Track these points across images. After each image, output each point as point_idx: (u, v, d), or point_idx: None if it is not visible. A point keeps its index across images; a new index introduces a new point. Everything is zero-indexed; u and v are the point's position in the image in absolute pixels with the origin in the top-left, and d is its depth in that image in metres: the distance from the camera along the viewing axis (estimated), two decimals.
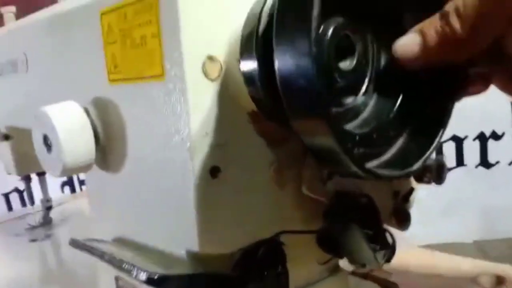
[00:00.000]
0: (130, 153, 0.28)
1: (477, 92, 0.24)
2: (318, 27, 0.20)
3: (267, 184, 0.26)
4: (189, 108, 0.23)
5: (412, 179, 0.34)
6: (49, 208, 0.65)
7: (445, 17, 0.21)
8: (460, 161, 1.16)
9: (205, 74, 0.23)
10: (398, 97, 0.24)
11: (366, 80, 0.24)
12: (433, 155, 0.34)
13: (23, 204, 0.96)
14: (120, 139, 0.28)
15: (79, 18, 0.30)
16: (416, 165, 0.23)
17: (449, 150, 1.13)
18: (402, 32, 0.22)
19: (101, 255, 0.28)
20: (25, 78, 0.40)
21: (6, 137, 0.52)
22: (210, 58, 0.23)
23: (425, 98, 0.24)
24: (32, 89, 0.40)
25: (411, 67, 0.22)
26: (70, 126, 0.28)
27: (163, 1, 0.23)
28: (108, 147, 0.30)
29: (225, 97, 0.24)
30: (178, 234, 0.25)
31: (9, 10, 0.56)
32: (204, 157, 0.23)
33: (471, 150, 1.14)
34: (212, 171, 0.24)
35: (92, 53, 0.29)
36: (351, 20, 0.22)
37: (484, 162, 1.16)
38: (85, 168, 0.30)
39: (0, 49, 0.44)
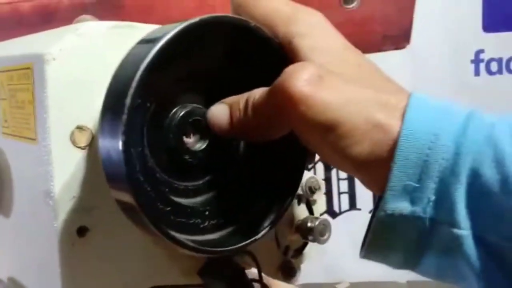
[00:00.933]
0: (15, 201, 0.29)
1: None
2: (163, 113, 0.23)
3: (141, 240, 0.28)
4: (54, 173, 0.24)
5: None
6: None
7: (247, 101, 0.23)
8: None
9: (73, 142, 0.25)
10: (252, 169, 0.26)
11: (221, 158, 0.26)
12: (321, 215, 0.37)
13: None
14: (8, 187, 0.30)
15: None
16: (262, 232, 0.24)
17: None
18: None
19: None
20: None
21: None
22: (79, 128, 0.25)
23: (273, 168, 0.26)
24: None
25: (223, 135, 0.24)
26: None
27: (36, 71, 0.24)
28: (1, 193, 0.31)
29: (94, 163, 0.25)
30: None
31: None
32: (71, 218, 0.25)
33: None
34: (80, 231, 0.25)
35: None
36: (204, 104, 0.24)
37: None
38: None
39: None
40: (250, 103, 0.23)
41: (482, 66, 0.73)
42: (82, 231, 0.25)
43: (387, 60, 0.72)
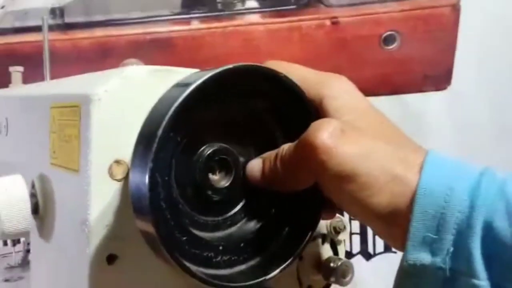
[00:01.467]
0: (56, 227, 0.32)
1: (327, 218, 0.28)
2: (192, 151, 0.24)
3: (166, 271, 0.29)
4: (91, 202, 0.26)
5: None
6: (29, 251, 0.70)
7: (277, 154, 0.25)
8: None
9: (111, 175, 0.27)
10: (269, 211, 0.27)
11: (243, 197, 0.27)
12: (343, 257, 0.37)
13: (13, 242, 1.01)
14: (51, 213, 0.32)
15: (40, 105, 0.36)
16: (273, 273, 0.25)
17: None
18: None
19: None
20: (5, 140, 0.45)
21: None
22: (117, 162, 0.27)
23: (291, 210, 0.27)
24: (8, 151, 0.45)
25: (258, 186, 0.26)
26: (9, 198, 0.32)
27: (83, 109, 0.27)
28: (44, 218, 0.34)
29: (127, 195, 0.27)
30: None
31: (17, 70, 0.63)
32: (102, 245, 0.27)
33: None
34: (109, 258, 0.27)
35: (43, 136, 0.34)
36: (232, 145, 0.26)
37: None
38: (22, 234, 0.34)
39: None
40: (279, 156, 0.25)
41: None
42: (111, 259, 0.27)
43: (427, 101, 0.71)
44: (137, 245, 0.28)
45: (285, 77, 0.25)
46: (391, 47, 0.73)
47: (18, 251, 0.70)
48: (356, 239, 0.73)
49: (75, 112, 0.28)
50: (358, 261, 0.72)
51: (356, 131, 0.24)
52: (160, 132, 0.22)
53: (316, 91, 0.26)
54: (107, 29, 0.81)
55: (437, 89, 0.73)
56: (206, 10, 0.78)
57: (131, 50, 0.80)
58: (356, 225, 0.70)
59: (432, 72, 0.73)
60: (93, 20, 0.81)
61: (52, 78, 0.72)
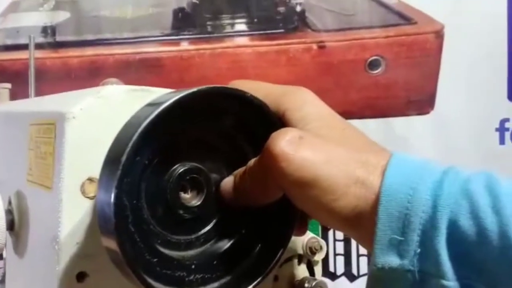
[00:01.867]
0: (29, 244, 0.32)
1: (298, 234, 0.28)
2: (163, 170, 0.25)
3: None
4: (62, 219, 0.27)
5: None
6: None
7: (245, 169, 0.26)
8: None
9: (83, 192, 0.27)
10: (241, 229, 0.27)
11: (215, 215, 0.27)
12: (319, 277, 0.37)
13: None
14: (25, 230, 0.32)
15: (19, 122, 0.36)
16: None
17: None
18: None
19: None
20: None
21: None
22: (90, 179, 0.27)
23: (264, 230, 0.27)
24: None
25: (230, 203, 0.26)
26: None
27: (58, 127, 0.28)
28: (19, 234, 0.34)
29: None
30: None
31: (5, 86, 0.63)
32: (72, 263, 0.27)
33: None
34: (79, 276, 0.27)
35: (22, 153, 0.34)
36: (203, 163, 0.26)
37: None
38: None
39: None
40: (247, 170, 0.26)
41: (507, 134, 0.72)
42: (81, 276, 0.27)
43: (411, 125, 0.72)
44: (108, 263, 0.28)
45: (250, 95, 0.26)
46: (376, 71, 0.75)
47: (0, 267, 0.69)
48: (340, 260, 0.73)
49: (50, 129, 0.28)
50: (342, 283, 0.72)
51: (317, 138, 0.25)
52: (124, 158, 0.22)
53: (279, 104, 0.27)
54: (97, 48, 0.82)
55: (421, 113, 0.74)
56: (196, 32, 0.79)
57: (120, 69, 0.81)
58: (340, 246, 0.70)
59: (416, 97, 0.75)
60: (84, 39, 0.82)
61: (41, 95, 0.72)
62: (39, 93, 0.73)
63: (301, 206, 0.25)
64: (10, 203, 0.34)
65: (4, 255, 0.68)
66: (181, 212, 0.26)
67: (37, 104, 0.36)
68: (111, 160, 0.23)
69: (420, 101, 0.74)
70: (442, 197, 0.22)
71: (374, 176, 0.23)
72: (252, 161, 0.26)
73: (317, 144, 0.24)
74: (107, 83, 0.34)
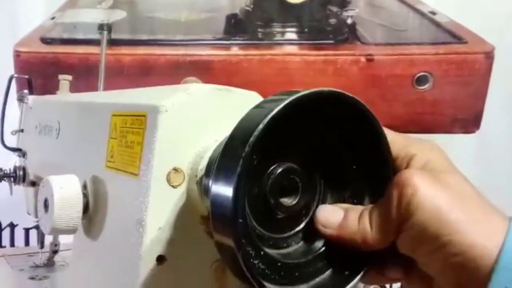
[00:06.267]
0: (105, 227, 0.34)
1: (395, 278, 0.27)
2: (261, 169, 0.25)
3: (208, 279, 0.31)
4: (149, 204, 0.28)
5: None
6: (55, 252, 0.71)
7: (363, 212, 0.26)
8: None
9: (168, 181, 0.29)
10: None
11: (306, 217, 0.27)
12: None
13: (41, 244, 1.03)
14: (102, 214, 0.34)
15: (98, 112, 0.38)
16: None
17: None
18: (344, 174, 0.27)
19: None
20: (56, 142, 0.48)
21: (33, 184, 0.60)
22: (175, 170, 0.29)
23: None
24: (59, 152, 0.47)
25: (324, 236, 0.26)
26: (64, 196, 0.34)
27: (149, 118, 0.29)
28: (93, 218, 0.36)
29: (183, 201, 0.29)
30: None
31: (66, 78, 0.67)
32: (154, 246, 0.29)
33: None
34: (159, 259, 0.29)
35: (100, 141, 0.36)
36: (300, 164, 0.26)
37: None
38: (70, 231, 0.36)
39: (44, 113, 0.53)
40: (371, 217, 0.25)
41: None
42: (161, 259, 0.29)
43: (454, 142, 0.72)
44: (185, 248, 0.29)
45: (367, 109, 0.25)
46: (423, 87, 0.75)
47: (45, 251, 0.72)
48: None
49: (140, 120, 0.30)
50: None
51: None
52: (247, 149, 0.22)
53: (405, 151, 0.27)
54: (150, 48, 0.85)
55: (466, 132, 0.74)
56: (246, 37, 0.82)
57: (170, 69, 0.83)
58: None
59: (462, 115, 0.75)
60: (137, 39, 0.85)
61: (92, 89, 0.75)
62: (91, 87, 0.76)
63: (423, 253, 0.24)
64: (85, 187, 0.37)
65: (54, 240, 0.71)
66: (278, 212, 0.26)
67: (118, 97, 0.38)
68: (231, 152, 0.23)
69: (466, 120, 0.74)
70: None
71: (493, 242, 0.22)
72: (376, 208, 0.25)
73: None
74: (188, 81, 0.36)
